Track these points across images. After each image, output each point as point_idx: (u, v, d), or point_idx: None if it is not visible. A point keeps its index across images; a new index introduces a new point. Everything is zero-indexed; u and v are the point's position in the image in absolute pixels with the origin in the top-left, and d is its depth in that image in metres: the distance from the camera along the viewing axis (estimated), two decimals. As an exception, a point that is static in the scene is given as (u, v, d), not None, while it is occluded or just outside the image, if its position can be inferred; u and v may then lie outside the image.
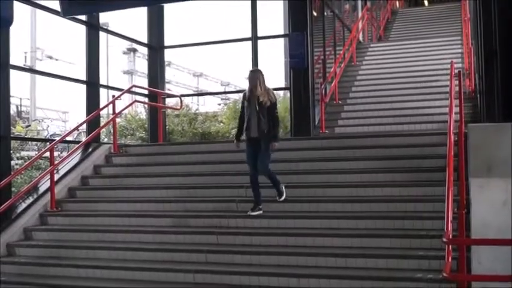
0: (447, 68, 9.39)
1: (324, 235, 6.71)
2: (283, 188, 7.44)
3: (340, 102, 12.05)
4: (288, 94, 12.15)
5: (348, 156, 8.27)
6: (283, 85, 15.35)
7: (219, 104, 22.36)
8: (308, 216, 7.20)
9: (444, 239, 4.59)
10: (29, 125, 17.32)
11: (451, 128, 6.38)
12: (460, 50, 13.67)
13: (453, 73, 8.03)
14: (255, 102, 7.19)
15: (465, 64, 12.33)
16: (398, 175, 7.61)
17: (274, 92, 7.51)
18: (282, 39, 13.62)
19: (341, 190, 7.56)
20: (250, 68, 7.45)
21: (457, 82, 7.52)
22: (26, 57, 21.37)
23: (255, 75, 7.27)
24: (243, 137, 7.49)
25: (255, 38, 11.45)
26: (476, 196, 6.07)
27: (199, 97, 26.50)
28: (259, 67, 11.69)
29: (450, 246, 4.64)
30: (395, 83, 12.41)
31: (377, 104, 11.58)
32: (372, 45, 16.22)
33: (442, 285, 5.47)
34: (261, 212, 7.26)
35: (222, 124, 16.52)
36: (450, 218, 4.95)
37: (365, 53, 15.13)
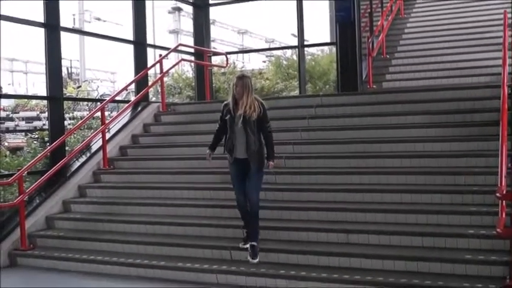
0: (500, 18, 9.02)
1: (373, 191, 6.68)
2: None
3: (387, 56, 11.78)
4: (334, 49, 11.95)
5: (397, 111, 8.12)
6: (328, 40, 15.14)
7: (264, 62, 22.24)
8: (356, 172, 7.15)
9: (498, 194, 4.51)
10: (80, 86, 17.70)
11: (505, 81, 6.18)
12: (514, -1, 13.08)
13: (507, 23, 7.72)
14: (240, 116, 5.95)
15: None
16: (449, 130, 7.45)
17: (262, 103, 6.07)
18: (327, -7, 13.34)
19: (390, 145, 7.44)
20: (239, 73, 6.19)
21: (510, 33, 7.24)
22: (74, 19, 21.70)
23: (243, 83, 5.96)
24: (226, 155, 6.30)
25: (299, -8, 11.24)
26: (531, 150, 5.91)
27: (245, 54, 26.38)
28: (304, 22, 11.60)
29: (504, 202, 4.55)
30: (445, 35, 12.00)
31: (426, 57, 11.26)
32: (420, -4, 15.69)
33: (495, 241, 5.39)
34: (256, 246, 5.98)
35: (267, 81, 16.46)
36: (504, 173, 4.85)
37: (413, 4, 14.63)
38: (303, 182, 7.31)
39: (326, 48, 18.35)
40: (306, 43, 12.56)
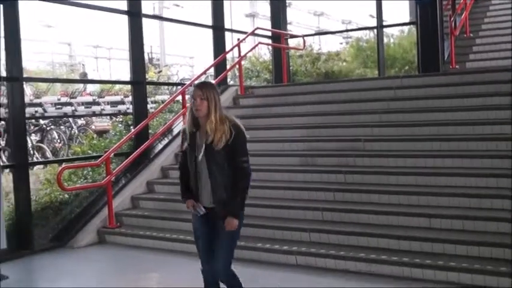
0: None
1: (457, 174, 6.49)
2: None
3: (471, 35, 11.34)
4: (414, 29, 11.63)
5: (481, 92, 7.80)
6: (408, 20, 14.75)
7: (341, 43, 21.94)
8: (439, 155, 6.97)
9: None
10: (160, 71, 18.14)
11: None
12: None
13: None
14: (202, 145, 4.01)
15: None
16: (539, 111, 7.12)
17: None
18: (407, -29, 12.97)
19: (475, 128, 7.17)
20: (199, 81, 4.32)
21: None
22: (154, 7, 22.26)
23: (203, 94, 3.96)
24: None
25: (377, -28, 11.00)
26: None
27: (321, 37, 26.11)
28: (383, 2, 11.31)
29: None
30: (535, 12, 11.41)
31: (513, 35, 10.76)
32: (507, -29, 14.94)
33: None
34: None
35: (345, 63, 16.27)
36: None
37: (500, -20, 13.99)
38: (382, 164, 7.22)
39: (406, 29, 17.88)
40: (384, 23, 12.30)
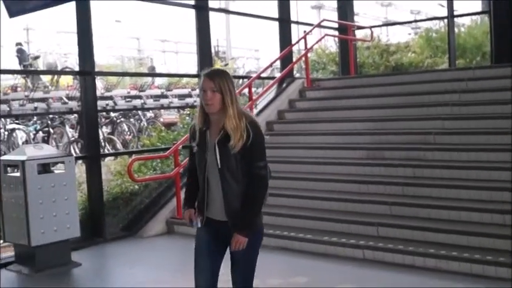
0: None
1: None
2: None
3: (550, 23, 10.81)
4: (486, 18, 11.21)
5: (561, 84, 7.46)
6: (480, 9, 14.25)
7: (409, 34, 21.43)
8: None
9: None
10: (227, 64, 18.28)
11: None
12: None
13: None
14: (213, 146, 3.37)
15: None
16: None
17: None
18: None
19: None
20: (210, 69, 3.57)
21: None
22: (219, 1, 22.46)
23: (216, 85, 3.33)
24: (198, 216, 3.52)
25: (447, -41, 10.66)
26: None
27: (389, 28, 25.59)
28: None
29: None
30: None
31: None
32: None
33: None
34: None
35: (414, 54, 15.88)
36: None
37: None
38: (453, 158, 7.01)
39: (478, 18, 17.28)
40: (455, 13, 11.91)
